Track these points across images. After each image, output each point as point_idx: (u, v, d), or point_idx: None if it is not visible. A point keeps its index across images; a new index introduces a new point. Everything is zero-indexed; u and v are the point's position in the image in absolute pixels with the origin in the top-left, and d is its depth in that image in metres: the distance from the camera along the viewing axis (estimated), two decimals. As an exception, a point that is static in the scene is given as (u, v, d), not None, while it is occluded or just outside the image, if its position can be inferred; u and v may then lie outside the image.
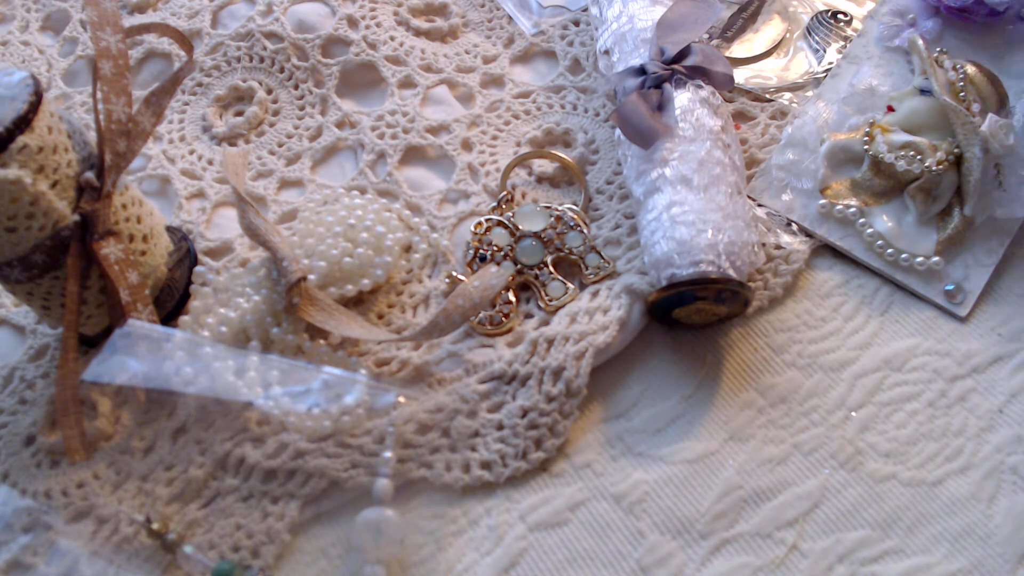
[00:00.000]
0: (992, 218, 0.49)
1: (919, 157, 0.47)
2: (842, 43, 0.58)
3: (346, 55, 0.61)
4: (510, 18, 0.64)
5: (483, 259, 0.50)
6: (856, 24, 0.59)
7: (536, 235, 0.50)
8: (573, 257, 0.50)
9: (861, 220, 0.49)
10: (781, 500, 0.42)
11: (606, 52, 0.56)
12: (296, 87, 0.61)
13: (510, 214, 0.51)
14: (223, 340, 0.46)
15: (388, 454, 0.43)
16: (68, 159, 0.43)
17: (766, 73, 0.58)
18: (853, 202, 0.49)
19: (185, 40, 0.49)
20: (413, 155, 0.57)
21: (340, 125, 0.59)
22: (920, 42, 0.52)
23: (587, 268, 0.50)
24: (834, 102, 0.54)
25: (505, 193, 0.53)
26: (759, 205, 0.51)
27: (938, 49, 0.52)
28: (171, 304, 0.49)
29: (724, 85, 0.52)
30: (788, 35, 0.60)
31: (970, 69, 0.50)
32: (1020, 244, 0.49)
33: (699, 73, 0.51)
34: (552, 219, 0.51)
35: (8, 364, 0.50)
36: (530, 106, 0.59)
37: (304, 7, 0.63)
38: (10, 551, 0.43)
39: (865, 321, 0.48)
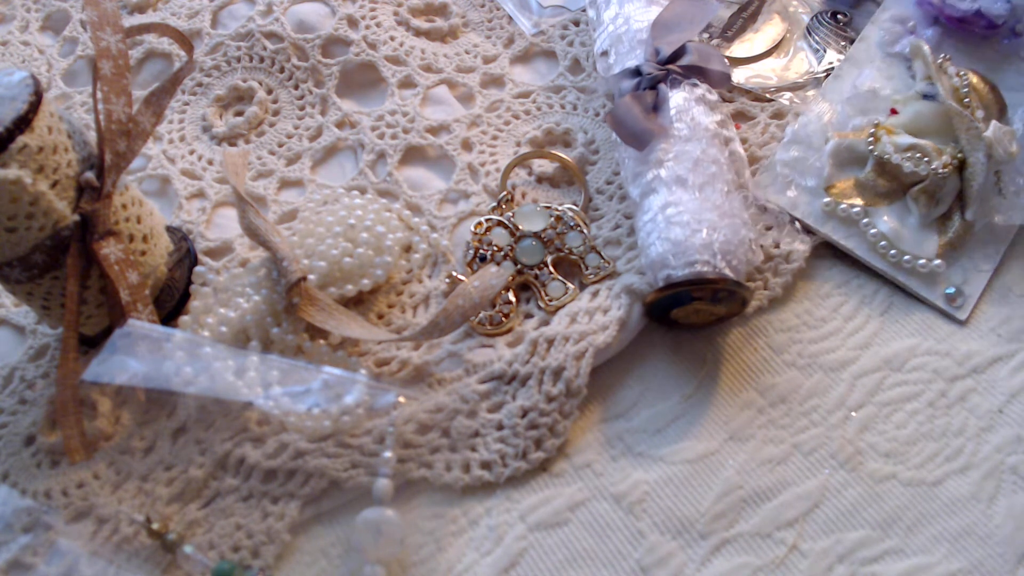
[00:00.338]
0: (990, 224, 0.49)
1: (925, 159, 0.47)
2: (842, 43, 0.58)
3: (346, 55, 0.61)
4: (510, 18, 0.64)
5: (483, 259, 0.50)
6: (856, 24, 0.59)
7: (536, 235, 0.50)
8: (573, 257, 0.50)
9: (865, 220, 0.49)
10: (781, 500, 0.42)
11: (604, 54, 0.56)
12: (296, 87, 0.61)
13: (510, 214, 0.51)
14: (223, 340, 0.46)
15: (388, 454, 0.43)
16: (68, 159, 0.43)
17: (766, 73, 0.58)
18: (857, 202, 0.49)
19: (185, 40, 0.49)
20: (413, 155, 0.57)
21: (340, 125, 0.59)
22: (926, 48, 0.52)
23: (587, 268, 0.50)
24: (837, 102, 0.54)
25: (505, 193, 0.53)
26: (766, 201, 0.51)
27: (942, 56, 0.52)
28: (171, 304, 0.49)
29: (721, 83, 0.52)
30: (788, 35, 0.60)
31: (973, 77, 0.50)
32: (1019, 244, 0.49)
33: (695, 72, 0.51)
34: (552, 219, 0.51)
35: (8, 364, 0.50)
36: (530, 106, 0.59)
37: (304, 7, 0.63)
38: (10, 551, 0.43)
39: (865, 321, 0.48)
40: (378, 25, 0.63)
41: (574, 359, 0.45)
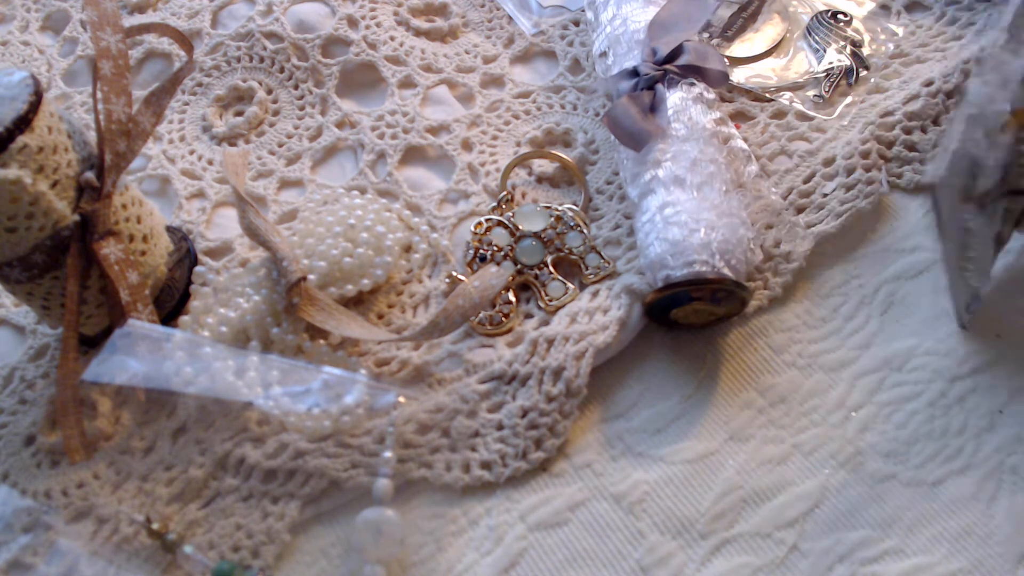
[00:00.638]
0: None
1: None
2: (842, 43, 0.58)
3: (346, 55, 0.61)
4: (510, 18, 0.64)
5: (483, 259, 0.50)
6: (856, 24, 0.59)
7: (536, 235, 0.50)
8: (573, 257, 0.50)
9: None
10: (781, 500, 0.42)
11: (603, 55, 0.56)
12: (296, 87, 0.61)
13: (510, 214, 0.51)
14: (223, 340, 0.46)
15: (388, 454, 0.43)
16: (68, 159, 0.43)
17: (766, 73, 0.58)
18: None
19: (185, 40, 0.49)
20: (413, 155, 0.57)
21: (340, 125, 0.59)
22: None
23: (587, 268, 0.50)
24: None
25: (505, 193, 0.53)
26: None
27: None
28: (171, 304, 0.49)
29: (719, 82, 0.52)
30: (788, 35, 0.60)
31: None
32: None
33: (692, 71, 0.51)
34: (552, 219, 0.51)
35: (8, 364, 0.50)
36: (530, 106, 0.59)
37: (304, 7, 0.63)
38: (10, 551, 0.43)
39: (865, 321, 0.48)
40: (378, 25, 0.63)
41: (574, 359, 0.45)
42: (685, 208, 0.45)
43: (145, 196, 0.51)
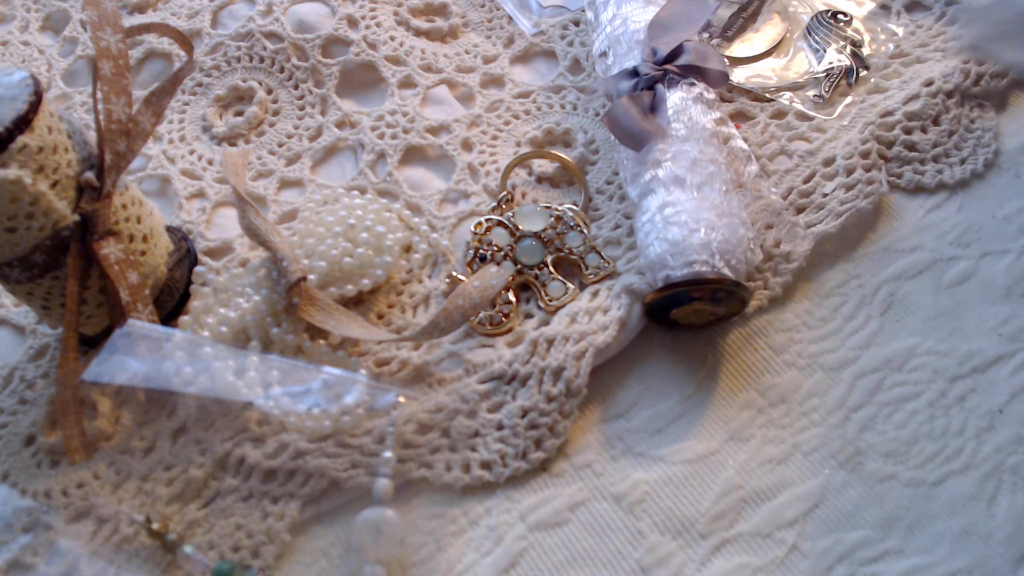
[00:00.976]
0: None
1: None
2: (842, 43, 0.58)
3: (346, 55, 0.61)
4: (510, 18, 0.64)
5: (483, 259, 0.50)
6: (856, 24, 0.59)
7: (536, 235, 0.50)
8: (573, 257, 0.50)
9: None
10: (781, 500, 0.42)
11: (603, 55, 0.56)
12: (296, 87, 0.61)
13: (510, 214, 0.51)
14: (223, 340, 0.46)
15: (388, 454, 0.43)
16: (68, 159, 0.43)
17: (766, 73, 0.58)
18: None
19: (185, 40, 0.49)
20: (413, 155, 0.57)
21: (340, 125, 0.59)
22: None
23: (587, 268, 0.50)
24: None
25: (505, 193, 0.53)
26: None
27: None
28: (171, 304, 0.49)
29: (719, 82, 0.52)
30: (788, 35, 0.60)
31: None
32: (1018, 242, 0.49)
33: (692, 71, 0.51)
34: (552, 219, 0.51)
35: (8, 364, 0.50)
36: (530, 106, 0.59)
37: (304, 7, 0.63)
38: (10, 551, 0.43)
39: (865, 321, 0.48)
40: (378, 25, 0.63)
41: (574, 359, 0.45)
42: (685, 208, 0.45)
43: (145, 196, 0.51)
